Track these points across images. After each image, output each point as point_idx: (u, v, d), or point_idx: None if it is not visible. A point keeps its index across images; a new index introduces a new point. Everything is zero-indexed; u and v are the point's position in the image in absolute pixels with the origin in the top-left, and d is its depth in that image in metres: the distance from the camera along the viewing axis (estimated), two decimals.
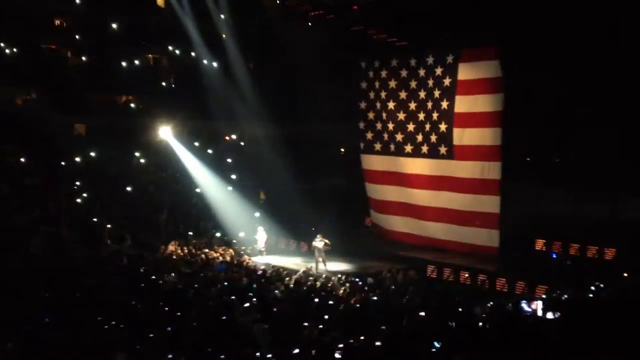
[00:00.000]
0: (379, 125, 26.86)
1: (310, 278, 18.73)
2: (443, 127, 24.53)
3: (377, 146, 26.99)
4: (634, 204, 23.61)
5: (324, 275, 20.15)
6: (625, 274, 19.25)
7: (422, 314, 14.16)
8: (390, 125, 26.37)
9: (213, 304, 15.15)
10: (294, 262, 23.17)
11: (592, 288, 16.81)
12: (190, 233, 24.90)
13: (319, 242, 22.61)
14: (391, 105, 26.23)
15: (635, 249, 21.30)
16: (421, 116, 25.30)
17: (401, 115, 25.95)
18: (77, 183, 25.35)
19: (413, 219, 26.05)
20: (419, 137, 25.39)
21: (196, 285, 16.90)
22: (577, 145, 24.37)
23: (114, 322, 12.97)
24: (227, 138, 33.34)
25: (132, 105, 31.50)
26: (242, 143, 33.04)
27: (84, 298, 15.26)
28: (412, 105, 25.56)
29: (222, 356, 11.23)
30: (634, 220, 23.31)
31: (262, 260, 23.06)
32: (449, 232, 24.79)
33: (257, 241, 24.47)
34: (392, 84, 26.11)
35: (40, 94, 29.01)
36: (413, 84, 25.46)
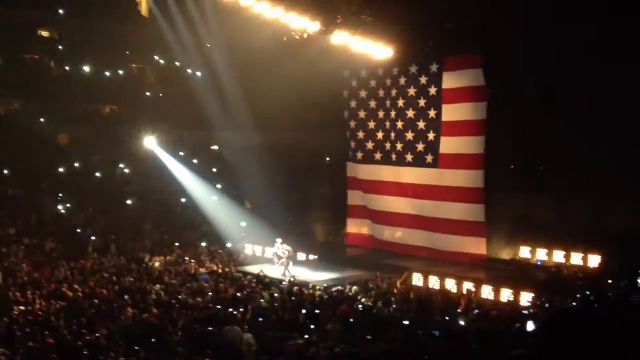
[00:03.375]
0: (362, 134, 26.89)
1: (296, 288, 18.68)
2: (431, 135, 24.59)
3: (362, 155, 27.01)
4: (616, 211, 23.76)
5: (310, 285, 20.11)
6: (610, 281, 19.36)
7: (407, 322, 14.18)
8: (376, 134, 26.39)
9: (198, 314, 15.09)
10: (280, 272, 23.05)
11: (578, 296, 16.91)
12: (176, 243, 24.76)
13: (278, 247, 22.80)
14: (375, 114, 26.28)
15: (619, 255, 21.44)
16: (400, 124, 25.38)
17: (385, 124, 26.01)
18: (60, 194, 25.17)
19: (399, 227, 26.04)
20: (401, 146, 25.44)
21: (180, 297, 16.82)
22: (560, 152, 24.48)
23: (97, 335, 12.87)
24: (212, 147, 33.27)
25: (116, 115, 31.40)
26: (227, 152, 32.97)
27: (69, 310, 15.14)
28: (395, 114, 25.63)
29: None
30: (617, 226, 23.45)
31: (278, 273, 22.38)
32: (434, 241, 24.79)
33: (276, 254, 23.58)
34: (376, 92, 26.16)
35: (23, 104, 28.86)
36: (395, 92, 25.54)
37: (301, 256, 25.38)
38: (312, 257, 25.67)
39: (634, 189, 22.00)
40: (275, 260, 23.07)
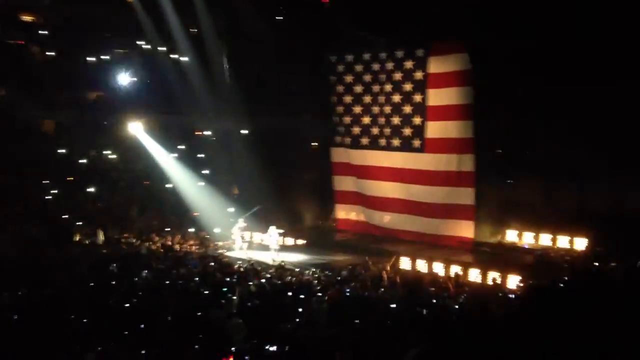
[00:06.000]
0: (349, 119, 26.88)
1: (285, 272, 18.71)
2: (418, 120, 24.62)
3: (348, 140, 27.02)
4: (603, 194, 23.90)
5: (298, 270, 20.15)
6: (596, 263, 19.49)
7: (394, 306, 14.22)
8: (362, 119, 26.39)
9: (187, 299, 15.06)
10: (269, 257, 23.10)
11: (565, 278, 16.99)
12: (167, 229, 24.70)
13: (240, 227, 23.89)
14: (361, 98, 26.27)
15: (605, 238, 21.59)
16: (388, 109, 25.40)
17: (372, 109, 26.02)
18: (47, 180, 24.99)
19: (387, 212, 26.11)
20: (388, 131, 25.49)
21: (167, 282, 16.79)
22: (547, 136, 24.54)
23: (85, 320, 12.82)
24: (199, 133, 33.09)
25: (102, 101, 31.14)
26: (215, 138, 32.80)
27: (55, 296, 15.06)
28: (382, 99, 25.64)
29: (196, 352, 11.16)
30: (603, 209, 23.60)
31: (274, 260, 22.48)
32: (422, 225, 24.88)
33: (270, 241, 23.91)
34: (362, 77, 26.15)
35: (7, 90, 28.54)
36: (382, 77, 25.52)
37: (290, 241, 25.47)
38: (300, 242, 25.73)
39: (619, 173, 22.14)
40: (239, 241, 24.10)
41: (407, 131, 24.94)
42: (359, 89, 26.34)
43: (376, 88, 25.78)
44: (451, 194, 23.87)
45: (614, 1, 21.08)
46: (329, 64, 27.12)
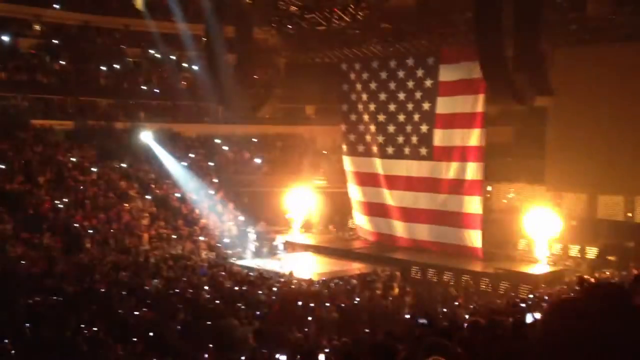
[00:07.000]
0: (361, 127, 26.88)
1: (294, 281, 18.70)
2: (424, 128, 24.61)
3: (360, 148, 27.02)
4: (614, 202, 23.78)
5: (307, 278, 20.13)
6: (607, 272, 19.42)
7: (408, 316, 14.20)
8: (372, 127, 26.39)
9: (197, 308, 15.07)
10: (278, 266, 23.08)
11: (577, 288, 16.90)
12: (174, 236, 24.72)
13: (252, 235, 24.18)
14: (372, 107, 26.29)
15: (616, 246, 21.49)
16: (401, 118, 25.40)
17: (382, 117, 26.02)
18: (58, 188, 25.08)
19: (396, 220, 26.05)
20: (400, 139, 25.46)
21: (177, 290, 16.80)
22: (553, 144, 24.47)
23: (96, 329, 12.84)
24: (209, 141, 33.17)
25: (113, 109, 31.32)
26: (226, 146, 32.85)
27: (66, 304, 15.11)
28: (393, 107, 25.63)
29: None
30: (615, 218, 23.48)
31: (281, 267, 22.40)
32: (432, 233, 24.80)
33: (278, 250, 24.02)
34: (373, 85, 26.18)
35: (19, 98, 28.76)
36: (393, 85, 25.54)
37: (299, 249, 25.48)
38: (310, 250, 25.72)
39: (627, 181, 22.07)
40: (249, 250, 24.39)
41: (414, 139, 24.92)
42: (370, 97, 26.34)
43: (386, 96, 25.79)
44: (459, 202, 23.79)
45: None
46: (341, 72, 27.17)
